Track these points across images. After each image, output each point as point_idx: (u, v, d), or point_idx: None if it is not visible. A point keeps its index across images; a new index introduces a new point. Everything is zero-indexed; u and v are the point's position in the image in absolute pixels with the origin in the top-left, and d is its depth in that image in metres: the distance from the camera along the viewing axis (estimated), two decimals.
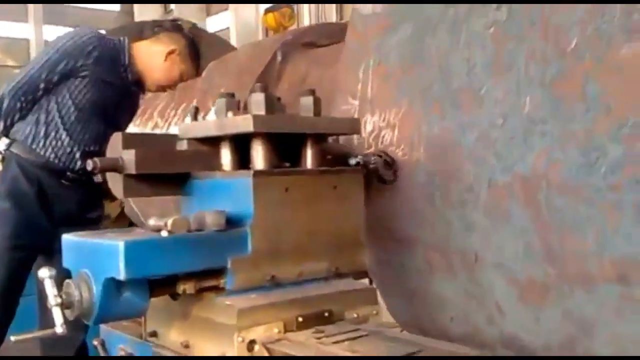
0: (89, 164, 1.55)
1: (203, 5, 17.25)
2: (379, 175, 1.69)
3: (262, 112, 1.52)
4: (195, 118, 1.69)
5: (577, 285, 1.32)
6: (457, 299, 1.61)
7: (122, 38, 2.48)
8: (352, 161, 1.80)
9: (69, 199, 2.47)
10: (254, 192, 1.45)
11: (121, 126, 2.54)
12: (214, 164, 1.61)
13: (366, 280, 1.77)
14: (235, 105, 1.62)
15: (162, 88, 2.58)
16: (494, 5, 1.47)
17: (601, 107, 1.24)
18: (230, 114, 1.55)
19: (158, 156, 1.58)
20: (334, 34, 2.82)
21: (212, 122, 1.56)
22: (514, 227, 1.41)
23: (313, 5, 11.23)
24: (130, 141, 1.60)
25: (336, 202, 1.58)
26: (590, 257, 1.28)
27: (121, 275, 1.31)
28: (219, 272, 1.44)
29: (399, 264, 1.76)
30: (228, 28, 15.38)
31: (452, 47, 1.57)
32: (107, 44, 2.41)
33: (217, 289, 1.45)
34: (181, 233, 1.38)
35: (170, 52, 2.49)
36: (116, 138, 1.61)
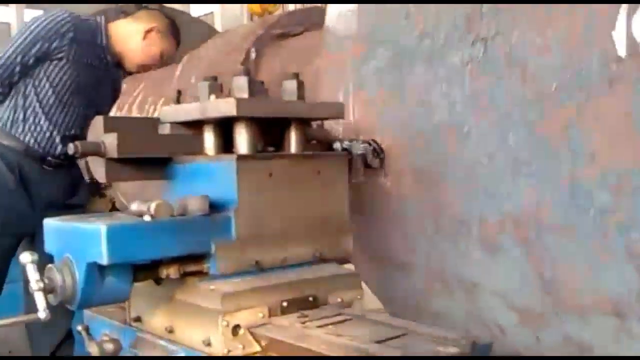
0: (70, 148, 1.53)
1: None
2: (366, 161, 1.69)
3: (245, 95, 1.51)
4: (178, 101, 1.67)
5: (573, 315, 1.35)
6: (458, 317, 1.65)
7: (98, 18, 2.43)
8: (337, 145, 1.81)
9: (51, 185, 2.44)
10: (237, 176, 1.44)
11: (103, 109, 2.50)
12: (197, 148, 1.60)
13: (350, 266, 1.77)
14: (218, 88, 1.60)
15: (142, 68, 2.53)
16: (470, 41, 1.45)
17: (585, 154, 1.24)
18: (212, 97, 1.53)
19: (140, 140, 1.56)
20: (307, 19, 2.78)
21: (194, 106, 1.54)
22: (508, 259, 1.43)
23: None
24: (112, 124, 1.58)
25: (320, 187, 1.58)
26: (584, 290, 1.31)
27: (104, 260, 1.30)
28: (203, 256, 1.43)
29: (398, 285, 1.79)
30: (212, 12, 15.19)
31: (430, 80, 1.56)
32: (83, 25, 2.36)
33: (201, 274, 1.44)
34: (164, 218, 1.37)
35: (149, 30, 2.44)
36: (97, 121, 1.59)
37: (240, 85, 1.52)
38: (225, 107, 1.46)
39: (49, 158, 2.40)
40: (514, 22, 1.37)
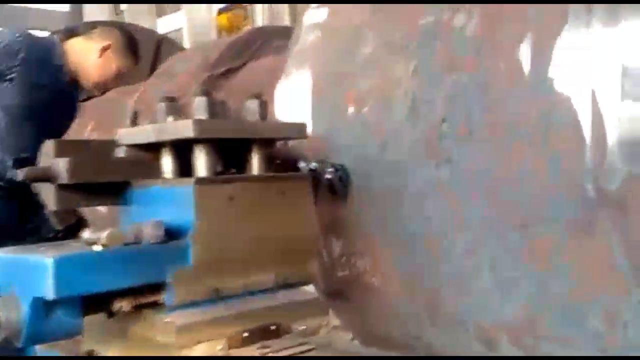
0: (18, 174, 1.45)
1: (154, 6, 16.84)
2: (333, 187, 1.63)
3: (204, 116, 1.44)
4: (134, 123, 1.60)
5: None
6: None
7: (53, 36, 2.35)
8: (303, 165, 1.75)
9: (4, 210, 2.33)
10: (195, 201, 1.37)
11: (59, 131, 2.41)
12: (155, 172, 1.53)
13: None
14: (177, 109, 1.53)
15: (99, 87, 2.46)
16: (433, 163, 1.38)
17: (575, 279, 1.21)
18: (170, 118, 1.47)
19: (94, 164, 1.49)
20: (246, 47, 2.67)
21: (150, 127, 1.47)
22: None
23: (267, 6, 11.12)
24: (64, 148, 1.50)
25: (285, 209, 1.52)
26: None
27: (50, 295, 1.21)
28: (159, 287, 1.36)
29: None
30: (181, 29, 15.10)
31: (402, 194, 1.48)
32: (35, 44, 2.28)
33: (157, 305, 1.37)
34: (116, 247, 1.29)
35: (105, 48, 2.38)
36: (48, 145, 1.51)
37: (200, 105, 1.45)
38: (183, 128, 1.40)
39: (1, 183, 2.30)
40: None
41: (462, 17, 1.36)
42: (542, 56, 1.21)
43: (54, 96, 2.32)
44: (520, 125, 1.24)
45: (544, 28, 1.22)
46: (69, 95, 2.42)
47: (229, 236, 1.42)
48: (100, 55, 2.36)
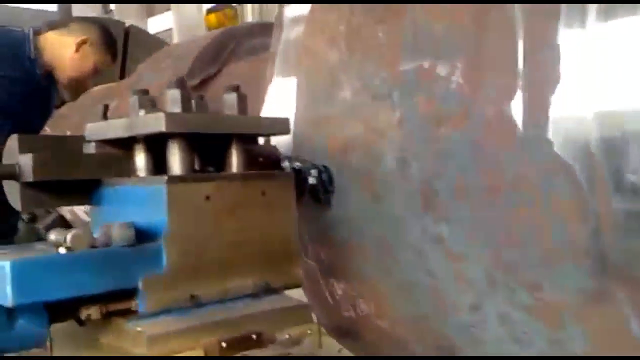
0: None
1: (144, 6, 16.72)
2: (316, 193, 1.55)
3: (178, 109, 1.35)
4: (105, 117, 1.50)
5: None
6: None
7: (26, 29, 2.24)
8: (286, 164, 1.66)
9: None
10: (167, 200, 1.27)
11: (34, 126, 2.30)
12: (128, 170, 1.43)
13: (300, 292, 1.62)
14: (150, 103, 1.44)
15: (76, 82, 2.35)
16: (431, 218, 1.34)
17: (590, 342, 1.18)
18: (142, 112, 1.37)
19: (61, 161, 1.39)
20: (219, 52, 2.56)
21: (120, 122, 1.38)
22: None
23: (256, 5, 11.03)
24: (28, 144, 1.40)
25: (265, 210, 1.43)
26: None
27: (8, 301, 1.12)
28: (130, 293, 1.26)
29: None
30: (171, 29, 14.99)
31: (400, 245, 1.44)
32: (8, 38, 2.17)
33: (128, 313, 1.27)
34: (82, 249, 1.20)
35: (82, 42, 2.27)
36: (12, 141, 1.41)
37: (173, 98, 1.36)
38: (154, 122, 1.30)
39: None
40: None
41: (445, 67, 1.28)
42: (536, 114, 1.14)
43: (26, 89, 2.21)
44: (519, 187, 1.18)
45: (536, 82, 1.14)
46: (44, 89, 2.32)
47: (205, 238, 1.32)
48: (77, 50, 2.26)
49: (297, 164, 1.62)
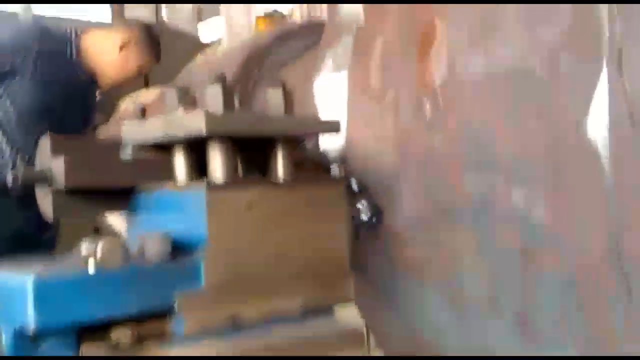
0: (9, 177, 1.26)
1: (195, 11, 17.00)
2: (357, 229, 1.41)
3: (219, 109, 1.22)
4: (143, 116, 1.39)
5: None
6: None
7: (70, 29, 2.18)
8: (335, 169, 1.52)
9: (17, 218, 2.16)
10: (207, 209, 1.15)
11: (75, 130, 2.23)
12: (167, 175, 1.31)
13: (354, 313, 1.46)
14: (190, 100, 1.32)
15: (119, 83, 2.27)
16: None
17: None
18: (180, 110, 1.25)
19: (96, 166, 1.28)
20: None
21: (158, 122, 1.26)
22: None
23: (305, 10, 10.98)
24: (62, 146, 1.30)
25: (313, 221, 1.28)
26: None
27: (31, 324, 1.01)
28: (166, 314, 1.14)
29: None
30: (220, 39, 15.17)
31: None
32: (49, 37, 2.11)
33: (163, 336, 1.15)
34: (113, 266, 1.08)
35: (126, 43, 2.19)
36: (45, 143, 1.31)
37: (214, 96, 1.23)
38: (193, 122, 1.18)
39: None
40: None
41: (523, 192, 1.13)
42: None
43: (69, 92, 2.15)
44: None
45: None
46: (86, 92, 2.25)
47: (247, 252, 1.19)
48: (120, 51, 2.18)
49: (354, 184, 1.48)
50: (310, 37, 2.48)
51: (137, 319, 1.12)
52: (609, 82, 1.02)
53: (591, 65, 1.05)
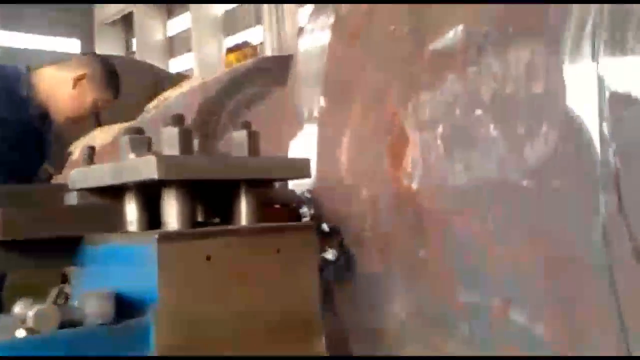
0: None
1: (166, 48, 17.00)
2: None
3: (175, 151, 1.11)
4: (90, 161, 1.27)
5: None
6: None
7: (19, 65, 2.05)
8: (305, 211, 1.42)
9: None
10: (159, 262, 1.02)
11: (30, 172, 2.08)
12: (117, 224, 1.19)
13: None
14: (144, 144, 1.20)
15: (73, 121, 2.14)
16: None
17: None
18: (132, 155, 1.14)
19: (36, 215, 1.15)
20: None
21: (106, 167, 1.14)
22: None
23: (275, 44, 11.03)
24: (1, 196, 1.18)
25: (282, 273, 1.16)
26: None
27: None
28: None
29: None
30: (191, 68, 15.17)
31: None
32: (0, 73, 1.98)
33: None
34: (47, 331, 0.94)
35: (80, 78, 2.07)
36: None
37: (169, 137, 1.12)
38: (145, 167, 1.06)
39: None
40: None
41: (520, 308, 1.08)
42: None
43: (18, 132, 2.01)
44: None
45: None
46: (38, 132, 2.11)
47: (206, 311, 1.06)
48: (74, 86, 2.05)
49: (325, 227, 1.38)
50: (269, 76, 2.41)
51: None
52: (606, 207, 0.94)
53: (584, 186, 0.98)
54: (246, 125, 1.22)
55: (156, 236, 1.03)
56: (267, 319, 1.14)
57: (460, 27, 1.18)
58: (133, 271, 1.07)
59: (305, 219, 1.43)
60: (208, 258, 1.08)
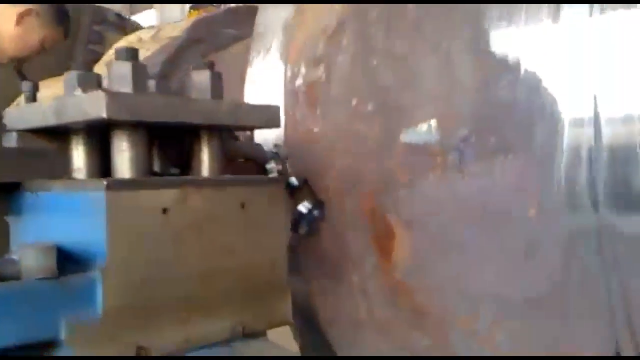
0: None
1: (127, 5, 16.33)
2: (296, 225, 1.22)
3: (128, 89, 0.98)
4: (33, 99, 1.13)
5: None
6: None
7: None
8: (272, 166, 1.31)
9: None
10: (108, 213, 0.91)
11: None
12: (61, 169, 1.06)
13: (288, 335, 1.26)
14: (94, 81, 1.07)
15: (18, 62, 1.96)
16: None
17: None
18: (78, 91, 1.00)
19: None
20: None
21: (47, 105, 1.01)
22: None
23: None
24: None
25: (245, 228, 1.07)
26: None
27: None
28: (50, 346, 0.89)
29: None
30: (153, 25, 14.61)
31: None
32: None
33: None
34: None
35: (25, 14, 1.88)
36: None
37: (120, 73, 0.99)
38: (92, 104, 0.93)
39: None
40: None
41: None
42: None
43: None
44: None
45: None
46: None
47: (159, 267, 0.96)
48: (18, 22, 1.86)
49: (293, 180, 1.29)
50: (238, 24, 2.26)
51: (12, 354, 0.86)
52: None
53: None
54: (209, 65, 1.10)
55: (105, 182, 0.91)
56: (228, 278, 1.04)
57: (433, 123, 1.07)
58: (78, 222, 0.95)
59: (273, 175, 1.33)
60: (164, 211, 0.97)
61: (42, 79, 2.62)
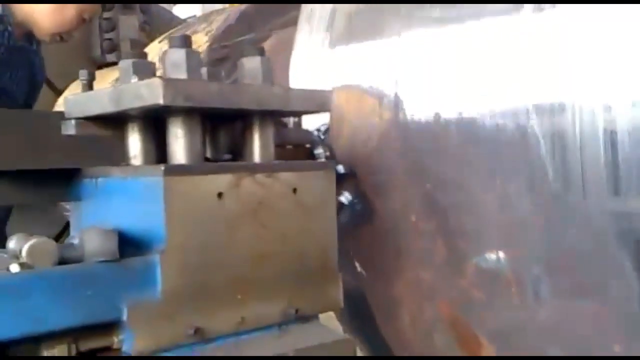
0: None
1: None
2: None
3: (183, 75, 1.00)
4: (90, 87, 1.16)
5: None
6: None
7: None
8: (320, 152, 1.32)
9: None
10: (166, 199, 0.93)
11: (17, 99, 1.95)
12: (119, 156, 1.09)
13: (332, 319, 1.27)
14: (149, 69, 1.09)
15: (59, 36, 1.97)
16: None
17: None
18: (135, 79, 1.02)
19: (27, 144, 1.05)
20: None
21: (105, 92, 1.03)
22: None
23: None
24: None
25: (296, 213, 1.07)
26: None
27: None
28: (112, 326, 0.92)
29: None
30: (195, 15, 14.77)
31: None
32: None
33: (108, 352, 0.93)
34: (44, 267, 0.86)
35: None
36: None
37: (175, 61, 1.01)
38: (149, 91, 0.95)
39: None
40: None
41: None
42: None
43: (5, 56, 1.85)
44: None
45: None
46: (24, 52, 1.94)
47: (215, 250, 0.97)
48: None
49: (340, 167, 1.29)
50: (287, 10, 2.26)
51: (76, 334, 0.90)
52: None
53: None
54: (260, 51, 1.11)
55: (162, 168, 0.93)
56: (280, 262, 1.05)
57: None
58: (136, 207, 0.97)
59: (322, 161, 1.33)
60: (219, 195, 0.98)
61: (58, 70, 2.68)
